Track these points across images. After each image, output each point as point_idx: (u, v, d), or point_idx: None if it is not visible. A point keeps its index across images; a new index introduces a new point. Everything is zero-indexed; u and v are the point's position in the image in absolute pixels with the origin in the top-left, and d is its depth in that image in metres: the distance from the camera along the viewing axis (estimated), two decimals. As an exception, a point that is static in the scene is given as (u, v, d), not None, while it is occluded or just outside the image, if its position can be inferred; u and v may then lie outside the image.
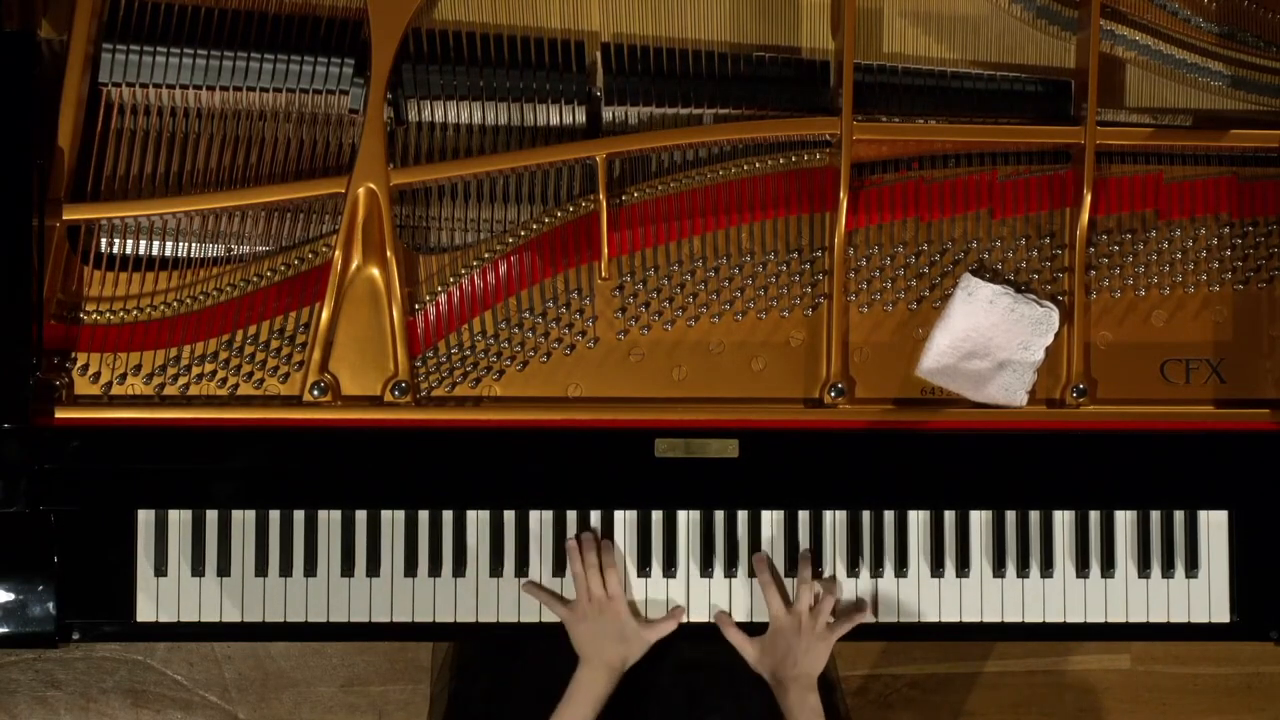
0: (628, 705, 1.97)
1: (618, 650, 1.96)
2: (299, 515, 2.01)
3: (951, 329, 2.04)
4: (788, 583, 2.03)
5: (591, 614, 1.97)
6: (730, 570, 2.04)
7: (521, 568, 2.03)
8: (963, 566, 2.06)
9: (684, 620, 2.02)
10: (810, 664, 1.95)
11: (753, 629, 2.02)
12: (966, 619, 2.07)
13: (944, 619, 2.07)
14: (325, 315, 1.99)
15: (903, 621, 2.06)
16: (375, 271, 2.00)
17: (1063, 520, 2.08)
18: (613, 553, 2.01)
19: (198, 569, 2.00)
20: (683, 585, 2.04)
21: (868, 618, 2.03)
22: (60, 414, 1.95)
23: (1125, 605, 2.08)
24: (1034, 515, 2.08)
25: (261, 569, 2.01)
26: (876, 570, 2.06)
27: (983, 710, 2.89)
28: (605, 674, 1.94)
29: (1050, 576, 2.07)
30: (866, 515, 2.06)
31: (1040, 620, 2.08)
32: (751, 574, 2.04)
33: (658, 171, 2.06)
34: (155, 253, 2.01)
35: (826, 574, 2.05)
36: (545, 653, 2.10)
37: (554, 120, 2.05)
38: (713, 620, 2.03)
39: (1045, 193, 2.08)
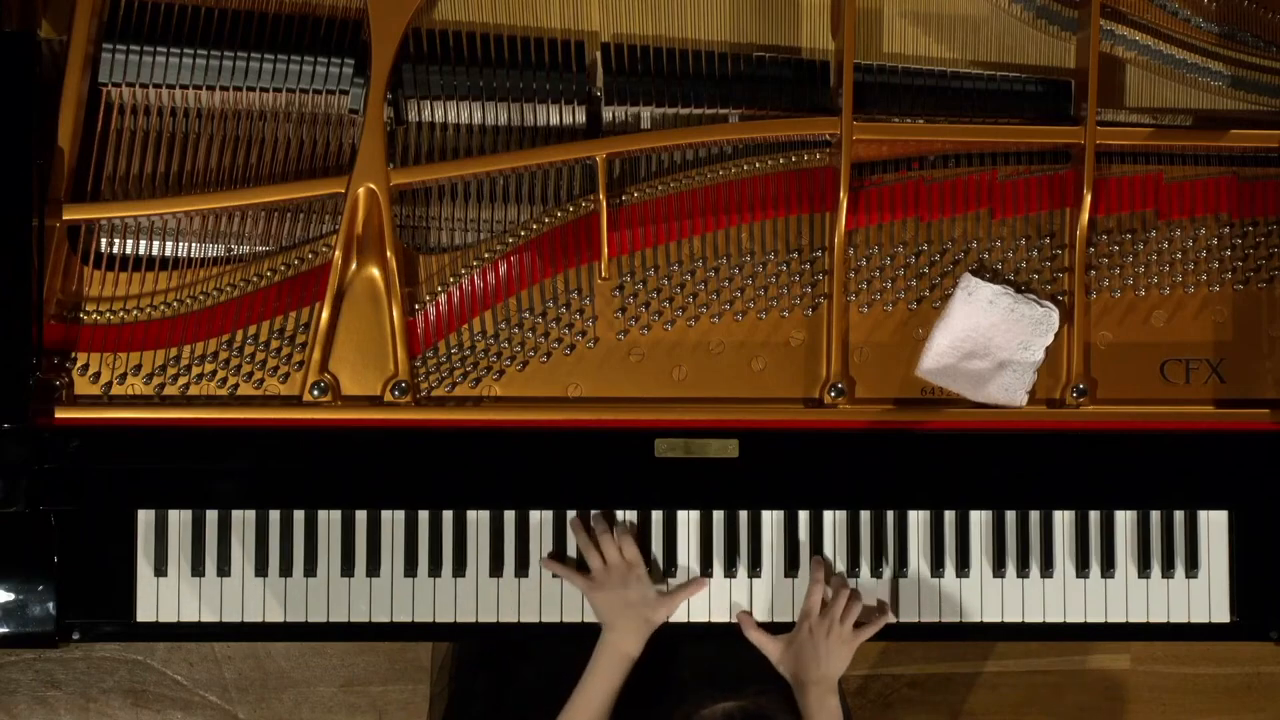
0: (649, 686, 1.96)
1: (642, 613, 1.95)
2: (299, 515, 2.01)
3: (951, 329, 2.04)
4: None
5: (613, 581, 1.96)
6: (730, 570, 2.04)
7: (522, 568, 2.03)
8: (963, 567, 2.06)
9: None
10: (831, 667, 1.95)
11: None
12: (967, 619, 2.07)
13: (944, 619, 2.07)
14: (325, 315, 1.99)
15: (903, 621, 2.06)
16: (375, 271, 2.00)
17: (1063, 520, 2.08)
18: (624, 524, 2.02)
19: (198, 569, 2.00)
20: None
21: (890, 619, 2.03)
22: (60, 414, 1.95)
23: (1125, 605, 2.08)
24: (1034, 515, 2.07)
25: (261, 569, 2.01)
26: (876, 570, 2.05)
27: (983, 710, 2.89)
28: (633, 635, 1.94)
29: (1050, 576, 2.07)
30: (866, 515, 2.06)
31: (1040, 620, 2.08)
32: (751, 574, 2.04)
33: (658, 171, 2.06)
34: (155, 253, 2.01)
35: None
36: (545, 652, 2.10)
37: (554, 120, 2.05)
38: (734, 619, 2.03)
39: (1045, 193, 2.08)
